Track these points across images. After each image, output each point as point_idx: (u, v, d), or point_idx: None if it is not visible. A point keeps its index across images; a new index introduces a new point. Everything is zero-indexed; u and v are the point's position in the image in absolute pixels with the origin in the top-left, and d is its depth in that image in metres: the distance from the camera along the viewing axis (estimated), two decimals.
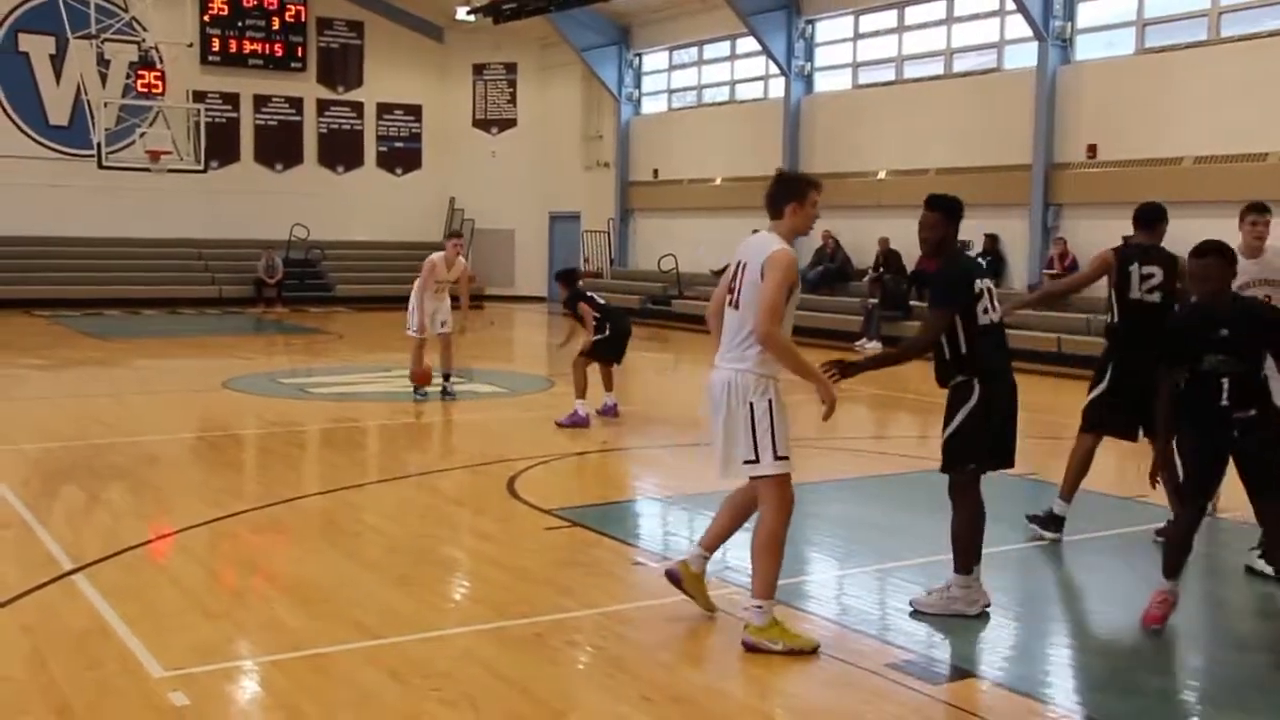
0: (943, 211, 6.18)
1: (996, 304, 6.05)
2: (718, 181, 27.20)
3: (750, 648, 5.52)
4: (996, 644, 5.95)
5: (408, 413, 13.10)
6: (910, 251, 21.61)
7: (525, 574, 6.93)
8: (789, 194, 5.67)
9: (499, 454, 10.48)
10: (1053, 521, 7.70)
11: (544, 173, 31.99)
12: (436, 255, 13.81)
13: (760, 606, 5.56)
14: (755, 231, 5.82)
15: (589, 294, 12.89)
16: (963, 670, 5.46)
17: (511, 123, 32.91)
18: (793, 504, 5.64)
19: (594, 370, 12.50)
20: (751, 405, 5.48)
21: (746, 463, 5.53)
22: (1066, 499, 7.69)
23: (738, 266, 5.68)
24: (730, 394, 5.52)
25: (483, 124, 33.04)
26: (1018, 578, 7.17)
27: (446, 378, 13.64)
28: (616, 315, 12.89)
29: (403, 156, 32.56)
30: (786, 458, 5.55)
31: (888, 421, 14.42)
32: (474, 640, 5.71)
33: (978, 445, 6.01)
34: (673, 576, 6.07)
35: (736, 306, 5.60)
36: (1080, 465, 7.69)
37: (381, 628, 5.79)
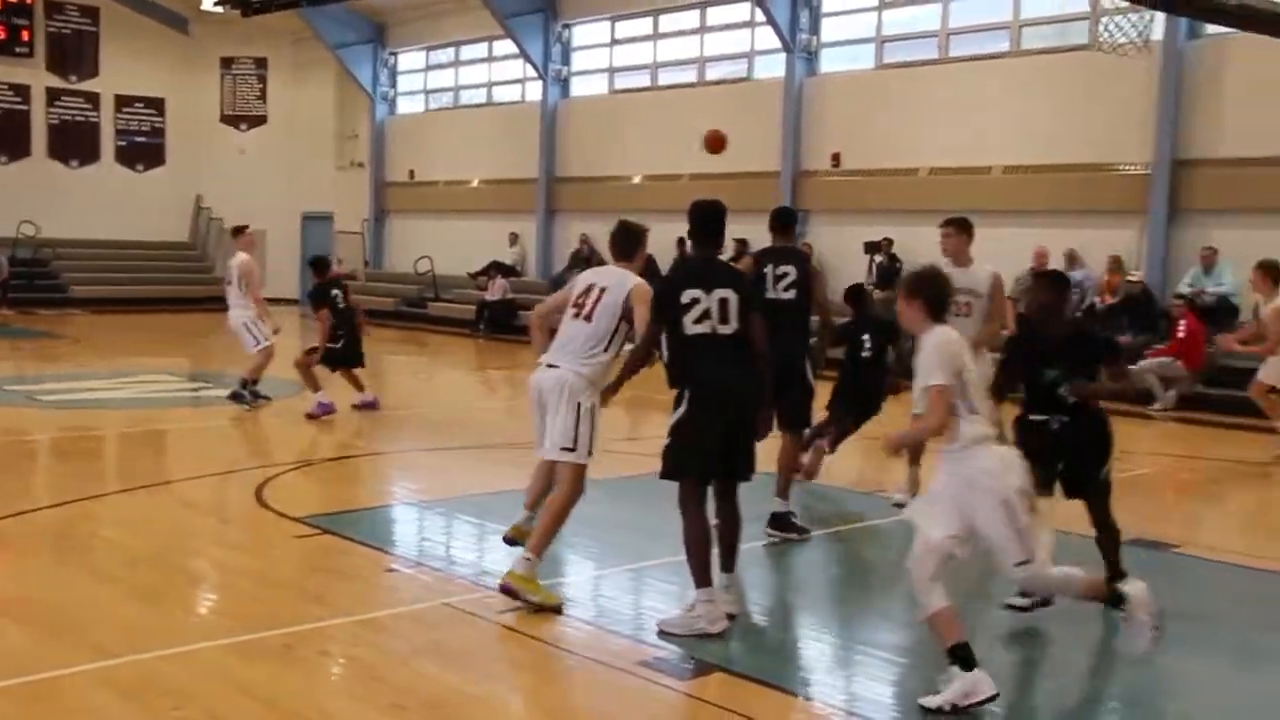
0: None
1: (730, 313, 5.91)
2: (475, 184, 27.05)
3: (506, 590, 6.12)
4: (748, 639, 6.11)
5: (152, 420, 12.47)
6: (666, 256, 21.99)
7: (274, 584, 6.71)
8: (638, 243, 6.57)
9: (248, 461, 10.14)
10: (784, 521, 7.84)
11: (296, 172, 31.07)
12: (244, 256, 13.16)
13: (529, 559, 6.17)
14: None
15: (335, 293, 12.70)
16: (714, 665, 5.56)
17: (262, 119, 31.82)
18: (583, 491, 6.38)
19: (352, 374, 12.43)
20: (579, 404, 6.24)
21: (563, 449, 6.29)
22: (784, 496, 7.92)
23: (592, 288, 6.36)
24: (564, 390, 6.25)
25: (231, 120, 31.82)
26: (767, 573, 7.38)
27: (246, 384, 12.92)
28: (352, 321, 12.78)
29: (144, 152, 30.97)
30: (592, 455, 6.34)
31: (640, 422, 14.62)
32: (219, 655, 5.48)
33: (688, 457, 5.91)
34: (510, 541, 6.77)
35: (589, 320, 6.30)
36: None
37: (118, 646, 5.48)
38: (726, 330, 5.90)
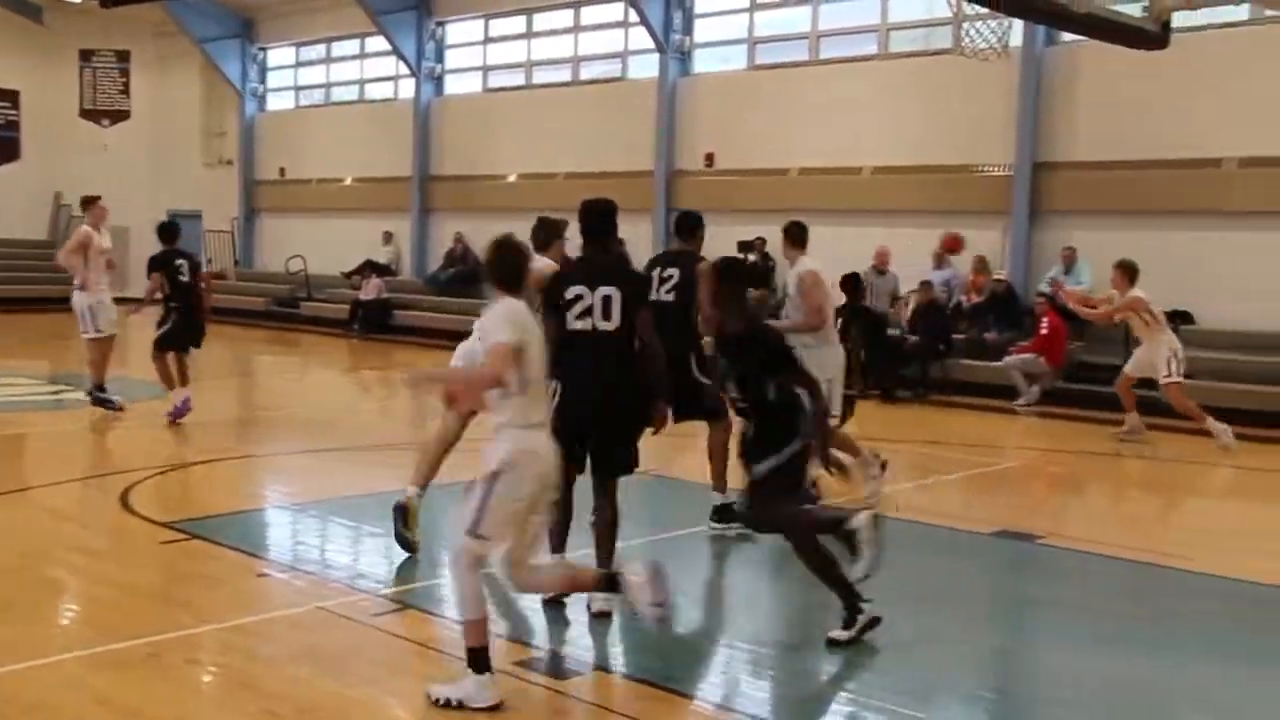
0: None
1: (613, 310, 6.02)
2: (348, 182, 26.63)
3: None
4: (622, 637, 6.11)
5: (9, 424, 11.97)
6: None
7: (139, 591, 6.50)
8: (553, 234, 7.13)
9: (112, 465, 9.82)
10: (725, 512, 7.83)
11: (161, 168, 30.20)
12: (84, 226, 12.24)
13: None
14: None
15: (179, 263, 11.86)
16: (587, 663, 5.55)
17: (125, 114, 30.74)
18: None
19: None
20: None
21: None
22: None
23: None
24: None
25: (92, 114, 30.69)
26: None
27: (100, 388, 12.16)
28: (189, 300, 11.89)
29: None
30: None
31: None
32: (80, 666, 5.29)
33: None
34: None
35: None
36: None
37: None
38: (607, 326, 6.01)
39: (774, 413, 5.81)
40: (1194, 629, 6.58)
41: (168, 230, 12.29)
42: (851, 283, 11.03)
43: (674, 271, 7.79)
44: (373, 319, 23.30)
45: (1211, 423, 11.85)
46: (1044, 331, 15.18)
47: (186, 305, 11.83)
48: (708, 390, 7.52)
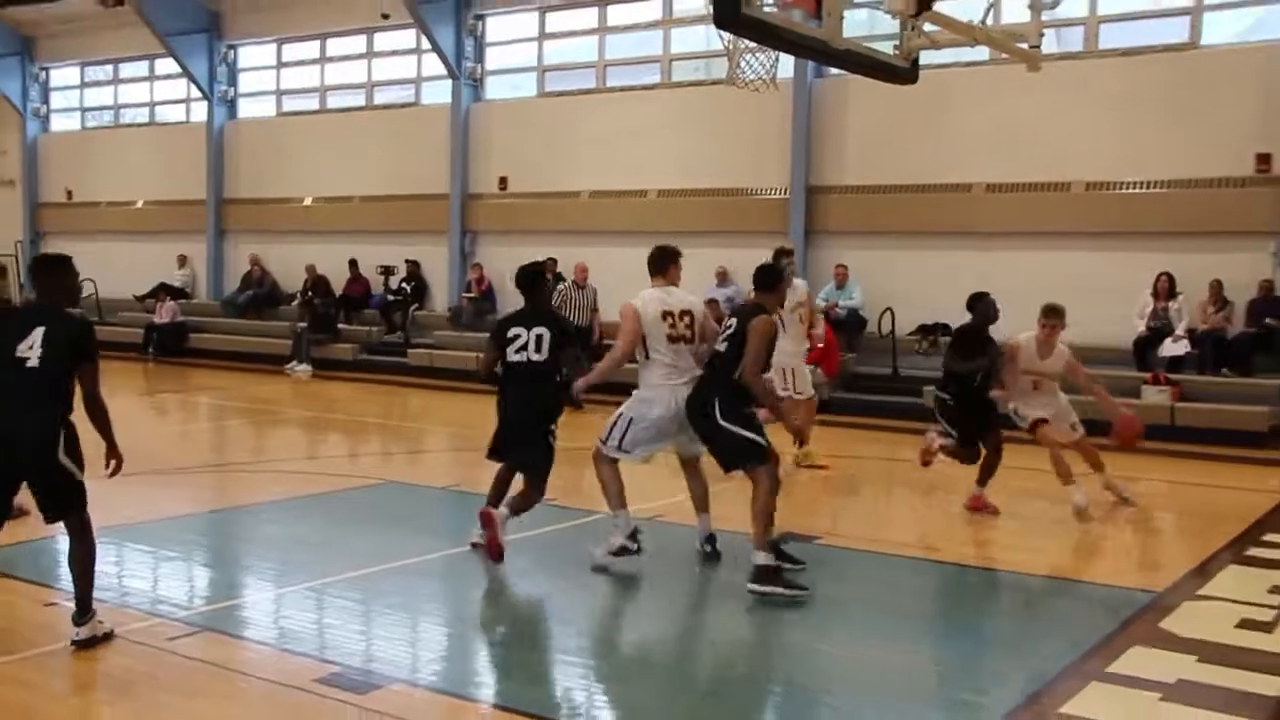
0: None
1: (542, 347, 7.32)
2: (140, 205, 25.59)
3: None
4: (423, 650, 6.08)
5: None
6: (338, 276, 21.55)
7: None
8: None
9: None
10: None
11: None
12: None
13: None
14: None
15: None
16: (388, 677, 5.49)
17: None
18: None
19: None
20: None
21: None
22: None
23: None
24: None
25: None
26: (444, 583, 7.38)
27: None
28: None
29: None
30: None
31: (318, 442, 14.28)
32: None
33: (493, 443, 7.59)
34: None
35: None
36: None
37: None
38: (539, 359, 7.36)
39: None
40: (960, 615, 6.95)
41: None
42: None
43: (732, 323, 7.29)
44: (168, 342, 22.46)
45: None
46: (820, 345, 15.70)
47: None
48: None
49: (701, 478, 7.64)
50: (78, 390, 5.71)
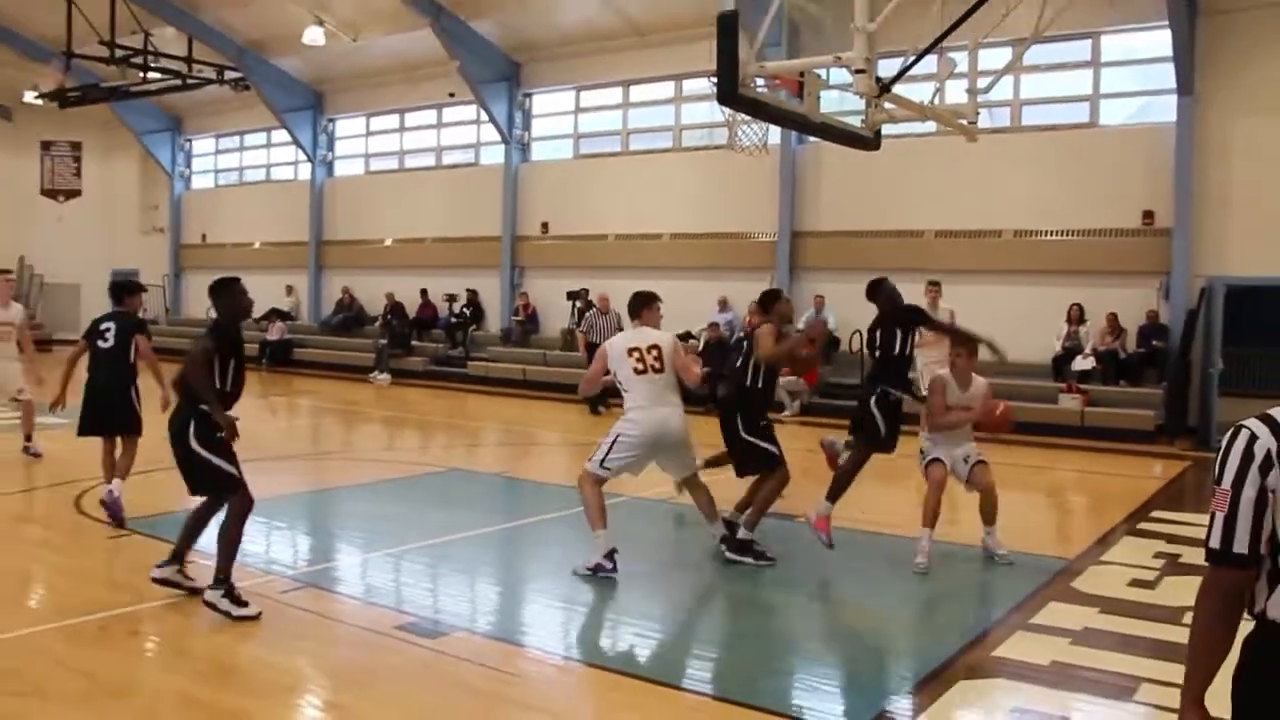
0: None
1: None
2: (257, 245, 25.86)
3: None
4: (481, 604, 6.16)
5: None
6: (411, 302, 21.70)
7: (89, 578, 6.24)
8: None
9: (67, 477, 9.31)
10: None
11: (107, 235, 28.77)
12: None
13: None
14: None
15: (104, 326, 8.24)
16: (453, 626, 5.57)
17: (77, 192, 29.29)
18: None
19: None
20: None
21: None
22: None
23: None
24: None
25: (50, 193, 29.18)
26: (500, 551, 7.45)
27: (29, 438, 10.52)
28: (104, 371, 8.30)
29: None
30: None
31: (395, 436, 14.39)
32: (41, 638, 5.07)
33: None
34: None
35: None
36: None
37: None
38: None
39: None
40: (909, 581, 6.99)
41: (116, 288, 8.60)
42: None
43: (745, 343, 7.27)
44: (277, 355, 22.68)
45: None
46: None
47: (94, 377, 8.15)
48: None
49: (704, 490, 7.05)
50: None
